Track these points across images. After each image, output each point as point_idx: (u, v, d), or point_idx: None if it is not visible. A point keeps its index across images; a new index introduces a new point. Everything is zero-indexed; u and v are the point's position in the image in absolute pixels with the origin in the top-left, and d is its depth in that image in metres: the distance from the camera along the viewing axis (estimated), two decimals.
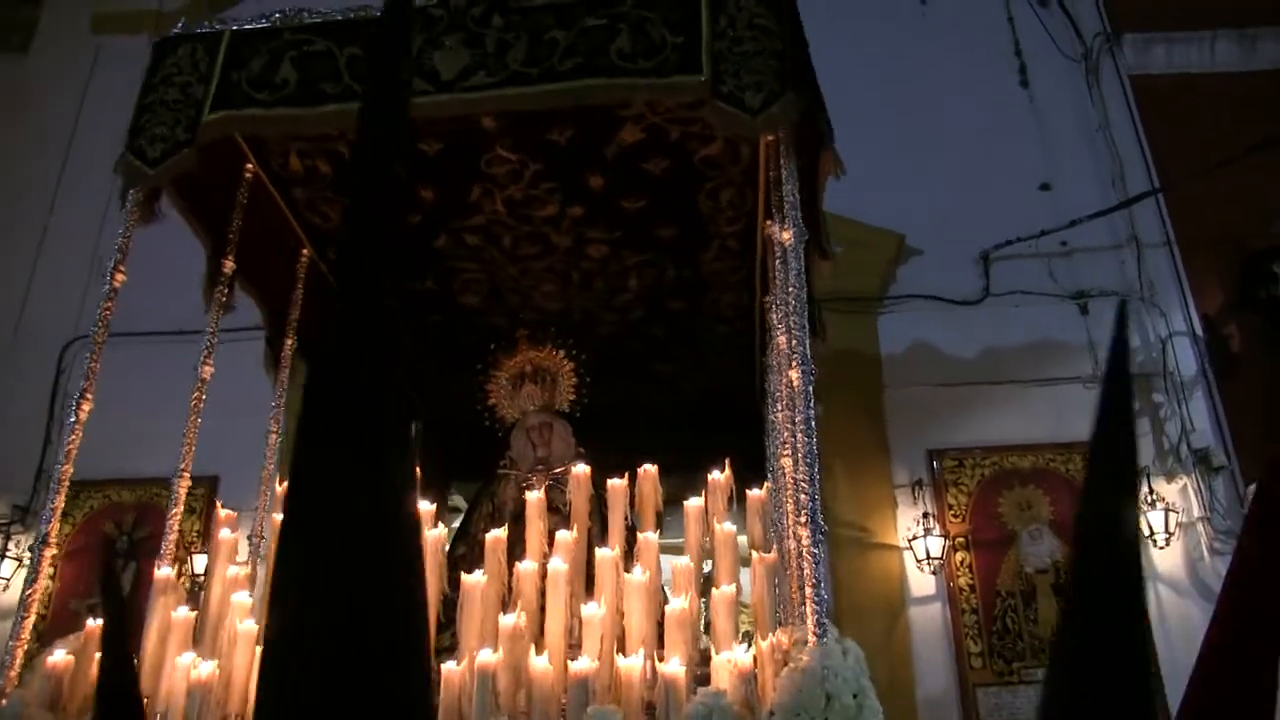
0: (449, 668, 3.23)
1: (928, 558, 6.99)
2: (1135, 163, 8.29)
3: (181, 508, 4.07)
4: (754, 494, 4.14)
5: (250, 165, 4.68)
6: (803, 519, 3.33)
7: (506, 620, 3.39)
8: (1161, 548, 6.87)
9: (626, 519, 4.14)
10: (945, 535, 7.17)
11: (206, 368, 4.33)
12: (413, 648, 0.76)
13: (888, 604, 7.02)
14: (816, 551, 3.28)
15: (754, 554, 3.82)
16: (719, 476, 4.26)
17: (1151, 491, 6.95)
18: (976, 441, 7.51)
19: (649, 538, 3.91)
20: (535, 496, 4.19)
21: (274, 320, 5.04)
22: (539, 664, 3.20)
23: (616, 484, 4.19)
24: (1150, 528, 6.82)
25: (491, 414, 5.44)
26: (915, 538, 7.07)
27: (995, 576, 7.17)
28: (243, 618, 3.61)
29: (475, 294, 5.58)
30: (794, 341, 3.51)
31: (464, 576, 3.55)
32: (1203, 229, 7.87)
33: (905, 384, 7.77)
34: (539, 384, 5.35)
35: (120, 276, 4.01)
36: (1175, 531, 6.92)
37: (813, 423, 3.44)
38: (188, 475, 4.14)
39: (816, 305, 4.82)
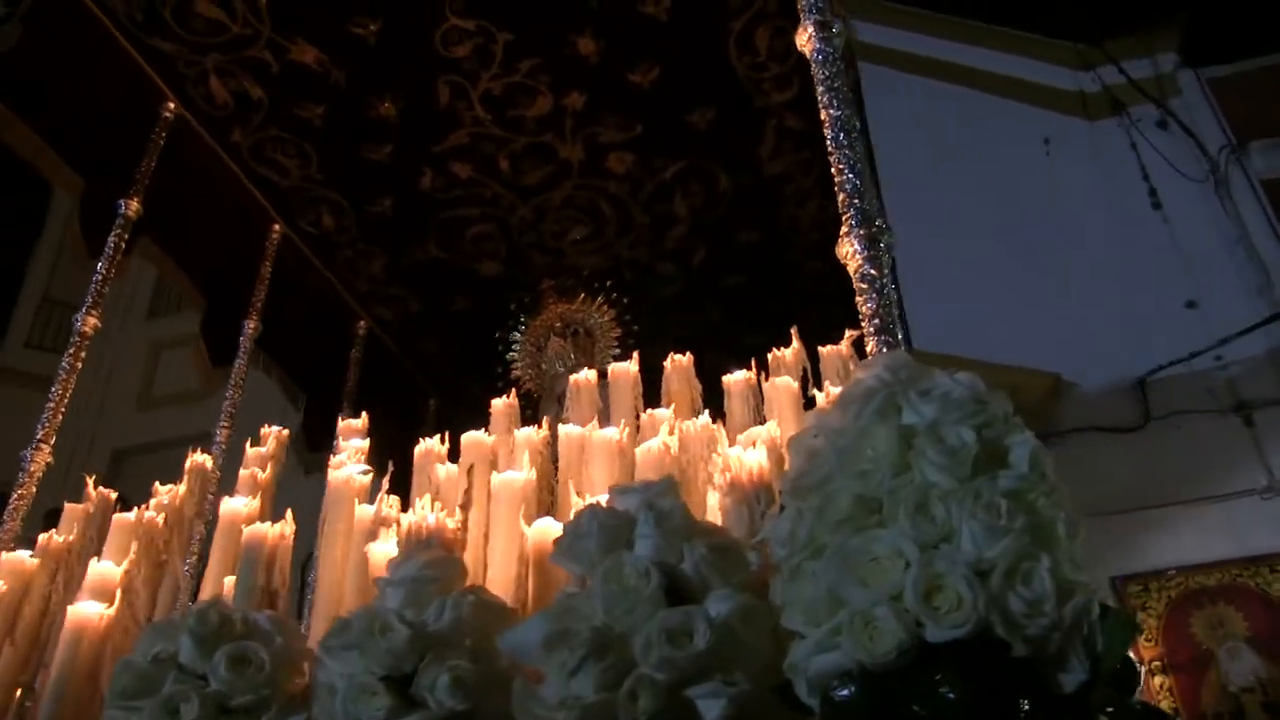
0: None
1: None
2: None
3: None
4: (830, 349, 2.42)
5: (170, 104, 3.42)
6: (844, 225, 1.64)
7: (363, 510, 1.77)
8: None
9: (637, 414, 2.44)
10: (1140, 661, 5.99)
11: (90, 318, 2.96)
12: None
13: None
14: (872, 259, 1.57)
15: (820, 394, 2.09)
16: (785, 352, 2.53)
17: None
18: (1159, 564, 6.29)
19: (658, 412, 2.23)
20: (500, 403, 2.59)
21: (215, 299, 3.68)
22: (376, 548, 1.55)
23: (620, 369, 2.54)
24: None
25: (516, 389, 3.85)
26: None
27: (1198, 698, 5.90)
28: None
29: (493, 258, 4.13)
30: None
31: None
32: None
33: (1079, 516, 6.85)
34: (569, 338, 3.76)
35: None
36: None
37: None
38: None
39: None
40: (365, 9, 3.28)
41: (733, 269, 4.23)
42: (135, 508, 2.22)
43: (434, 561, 1.26)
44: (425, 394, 4.56)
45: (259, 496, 2.14)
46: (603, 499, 1.54)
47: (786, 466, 1.75)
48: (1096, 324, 7.31)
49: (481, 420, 3.87)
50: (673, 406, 2.26)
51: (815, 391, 2.13)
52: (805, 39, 2.02)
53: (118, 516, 2.23)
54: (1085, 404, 7.18)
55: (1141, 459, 6.83)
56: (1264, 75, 8.22)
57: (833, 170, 1.82)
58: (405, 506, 2.70)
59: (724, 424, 2.29)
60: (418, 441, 4.36)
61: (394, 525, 1.73)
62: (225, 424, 3.45)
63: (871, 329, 1.58)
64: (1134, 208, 8.09)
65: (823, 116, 1.87)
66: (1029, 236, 7.89)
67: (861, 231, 1.68)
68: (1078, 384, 7.27)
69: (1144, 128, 8.41)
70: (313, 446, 4.17)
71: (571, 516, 1.70)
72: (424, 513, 1.52)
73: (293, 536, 1.80)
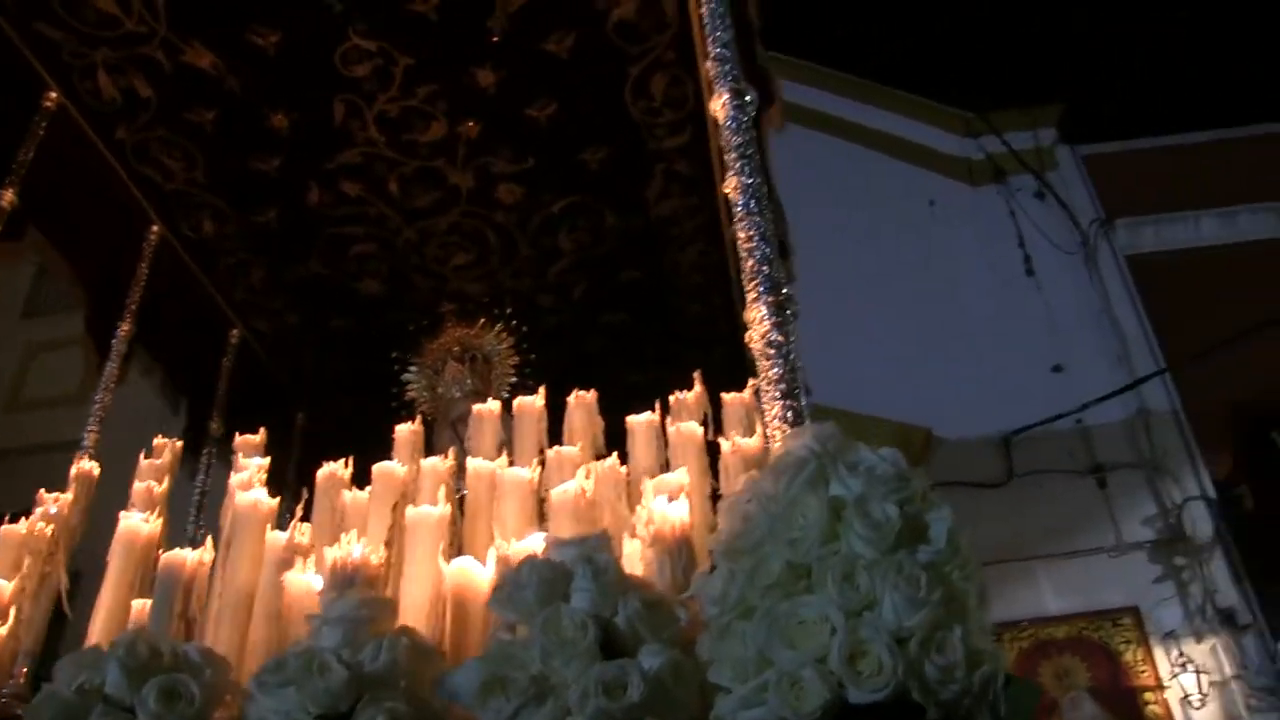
0: None
1: None
2: (1138, 339, 8.37)
3: None
4: (733, 396, 2.53)
5: (53, 93, 3.29)
6: (752, 291, 1.74)
7: (274, 536, 1.76)
8: (1198, 708, 6.56)
9: (542, 449, 2.48)
10: None
11: None
12: None
13: None
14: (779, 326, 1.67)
15: (725, 443, 2.18)
16: (687, 395, 2.62)
17: (1182, 655, 6.75)
18: (1013, 615, 7.32)
19: (564, 450, 2.28)
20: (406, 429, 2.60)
21: (98, 297, 3.56)
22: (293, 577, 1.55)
23: (526, 403, 2.58)
24: (1184, 690, 6.58)
25: (410, 412, 3.83)
26: None
27: None
28: None
29: (376, 278, 4.11)
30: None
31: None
32: (1209, 397, 7.93)
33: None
34: (467, 363, 3.78)
35: None
36: (1209, 692, 6.60)
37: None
38: None
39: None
40: (267, 19, 3.24)
41: (614, 306, 4.30)
42: (23, 517, 2.14)
43: (367, 601, 1.28)
44: (296, 408, 4.47)
45: (158, 512, 2.08)
46: (522, 543, 1.59)
47: (697, 516, 1.84)
48: (968, 382, 7.79)
49: (352, 439, 3.85)
50: (580, 445, 2.31)
51: (720, 439, 2.21)
52: (720, 105, 2.12)
53: (6, 528, 2.13)
54: (953, 458, 7.57)
55: (1004, 514, 7.55)
56: (1134, 157, 8.98)
57: (741, 236, 1.92)
58: (284, 527, 2.67)
59: (627, 464, 2.35)
60: (287, 456, 4.29)
61: (309, 554, 1.73)
62: (94, 428, 3.31)
63: (777, 394, 1.66)
64: (1009, 273, 8.56)
65: (733, 183, 1.97)
66: (909, 293, 8.32)
67: (769, 299, 1.77)
68: (947, 439, 7.73)
69: (1022, 198, 9.02)
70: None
71: (488, 555, 1.74)
72: (348, 547, 1.53)
73: (211, 562, 1.78)
